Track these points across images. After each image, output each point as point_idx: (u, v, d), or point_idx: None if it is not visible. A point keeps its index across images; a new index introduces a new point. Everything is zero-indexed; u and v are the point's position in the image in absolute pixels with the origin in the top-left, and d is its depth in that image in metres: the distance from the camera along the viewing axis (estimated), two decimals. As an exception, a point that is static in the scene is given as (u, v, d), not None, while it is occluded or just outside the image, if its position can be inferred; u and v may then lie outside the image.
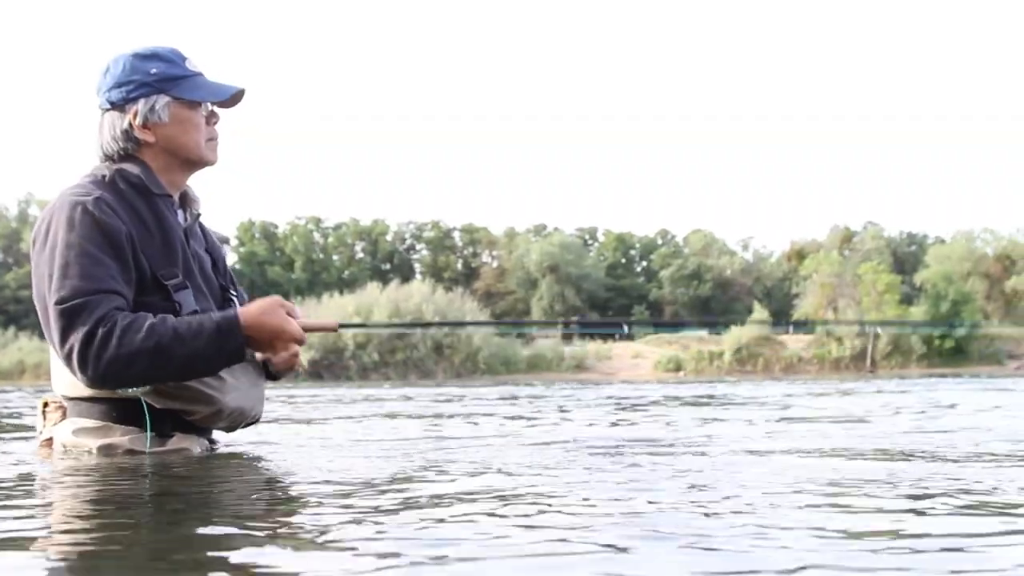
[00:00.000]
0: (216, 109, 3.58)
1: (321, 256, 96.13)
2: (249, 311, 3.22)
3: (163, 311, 3.21)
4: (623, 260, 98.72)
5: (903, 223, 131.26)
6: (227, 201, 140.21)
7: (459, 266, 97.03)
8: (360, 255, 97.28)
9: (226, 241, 3.92)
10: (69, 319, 3.07)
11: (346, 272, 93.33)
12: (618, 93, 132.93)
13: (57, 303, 3.08)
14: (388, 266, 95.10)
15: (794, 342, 67.26)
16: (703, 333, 73.04)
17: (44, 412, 3.48)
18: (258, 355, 3.49)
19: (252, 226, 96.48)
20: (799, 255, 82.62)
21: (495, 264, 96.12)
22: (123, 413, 3.32)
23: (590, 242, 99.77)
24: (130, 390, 3.22)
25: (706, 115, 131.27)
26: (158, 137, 3.44)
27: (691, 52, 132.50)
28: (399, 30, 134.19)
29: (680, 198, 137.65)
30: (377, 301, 60.94)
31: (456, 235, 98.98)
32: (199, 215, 3.66)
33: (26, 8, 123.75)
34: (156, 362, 3.06)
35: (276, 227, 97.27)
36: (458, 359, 59.71)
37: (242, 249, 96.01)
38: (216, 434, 3.72)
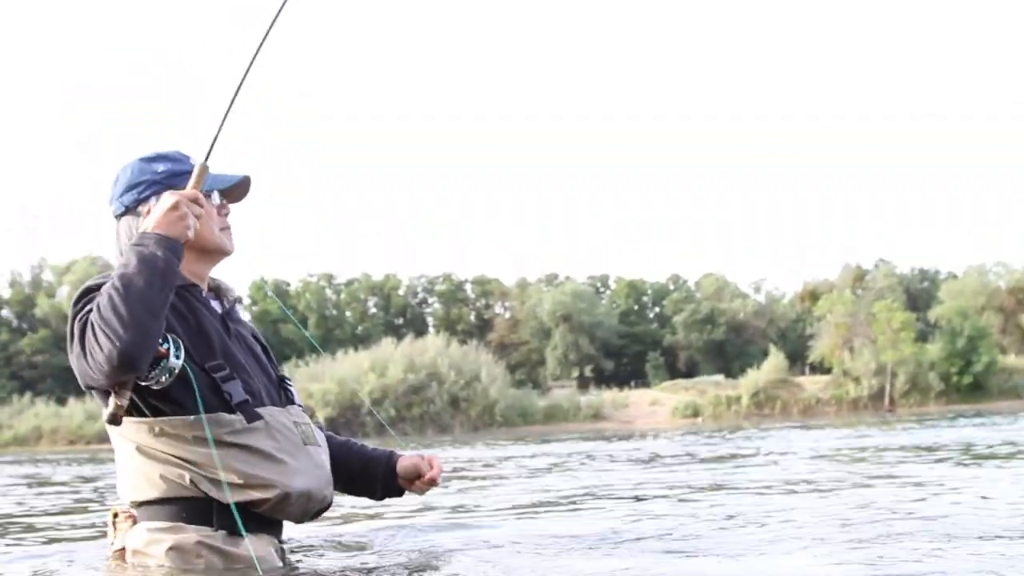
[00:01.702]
0: (225, 201, 3.63)
1: (334, 312, 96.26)
2: (150, 220, 3.20)
3: (217, 401, 3.22)
4: (636, 307, 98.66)
5: (914, 260, 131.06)
6: (238, 260, 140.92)
7: (472, 318, 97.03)
8: (373, 310, 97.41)
9: (239, 300, 3.74)
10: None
11: (359, 328, 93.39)
12: (623, 140, 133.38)
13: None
14: (401, 320, 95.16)
15: (811, 384, 67.07)
16: (719, 378, 72.92)
17: (115, 523, 3.45)
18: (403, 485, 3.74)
19: (264, 284, 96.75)
20: (812, 295, 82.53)
21: (508, 315, 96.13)
22: (192, 512, 3.26)
23: (602, 290, 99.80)
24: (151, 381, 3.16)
25: (712, 158, 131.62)
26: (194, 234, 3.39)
27: (698, 94, 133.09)
28: (402, 84, 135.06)
29: (690, 243, 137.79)
30: (392, 356, 61.04)
31: (468, 287, 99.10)
32: (237, 300, 3.65)
33: (28, 65, 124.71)
34: (117, 290, 3.03)
35: (288, 285, 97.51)
36: (475, 412, 59.62)
37: (255, 308, 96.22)
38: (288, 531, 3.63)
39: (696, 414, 61.62)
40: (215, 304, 3.53)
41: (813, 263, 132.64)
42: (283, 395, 3.52)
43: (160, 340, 3.09)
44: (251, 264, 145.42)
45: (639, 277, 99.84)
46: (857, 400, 63.66)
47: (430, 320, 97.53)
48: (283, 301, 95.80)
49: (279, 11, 3.43)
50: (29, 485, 12.35)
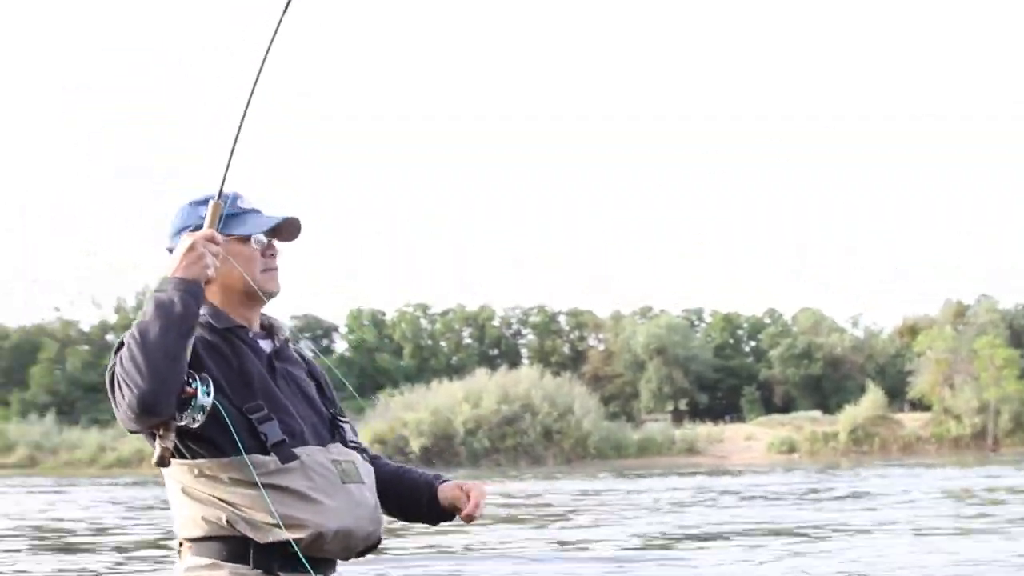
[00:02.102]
0: (275, 242, 3.65)
1: (429, 343, 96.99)
2: (170, 264, 3.29)
3: (253, 443, 3.30)
4: (731, 340, 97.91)
5: (1018, 295, 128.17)
6: (336, 290, 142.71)
7: (566, 350, 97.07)
8: (467, 341, 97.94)
9: (288, 340, 3.76)
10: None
11: (454, 358, 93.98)
12: (717, 171, 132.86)
13: None
14: (496, 351, 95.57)
15: (911, 421, 65.87)
16: (816, 414, 71.86)
17: (180, 551, 3.60)
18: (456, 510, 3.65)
19: (360, 314, 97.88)
20: (912, 331, 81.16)
21: (602, 347, 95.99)
22: (230, 551, 3.37)
23: (697, 323, 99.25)
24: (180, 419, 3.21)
25: (811, 191, 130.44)
26: (219, 273, 3.45)
27: (792, 131, 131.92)
28: (492, 119, 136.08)
29: (787, 276, 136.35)
30: (486, 387, 61.24)
31: (562, 319, 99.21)
32: (287, 339, 3.70)
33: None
34: (135, 339, 3.14)
35: (384, 314, 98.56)
36: (568, 444, 59.52)
37: (351, 337, 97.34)
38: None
39: (792, 450, 60.84)
40: (265, 344, 3.59)
41: (913, 298, 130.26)
42: (336, 433, 3.56)
43: (188, 380, 3.18)
44: (348, 294, 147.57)
45: (734, 310, 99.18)
46: (959, 439, 62.34)
47: (524, 351, 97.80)
48: (379, 330, 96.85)
49: (275, 31, 3.41)
50: (143, 508, 12.73)
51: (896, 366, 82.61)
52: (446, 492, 3.65)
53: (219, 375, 3.33)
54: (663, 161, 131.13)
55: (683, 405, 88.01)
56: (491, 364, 75.65)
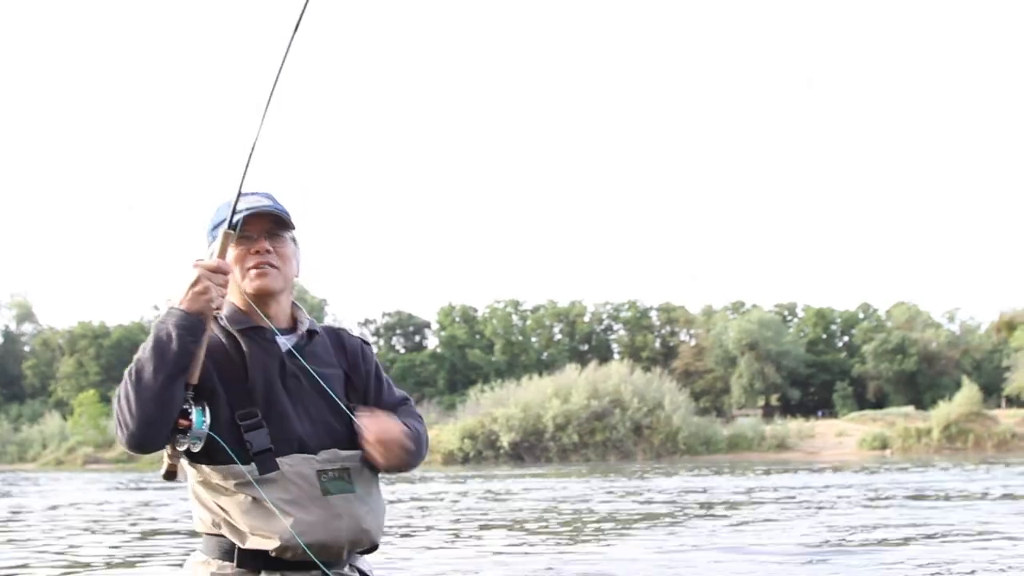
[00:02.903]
0: (256, 237, 3.66)
1: (520, 338, 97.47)
2: (178, 293, 3.43)
3: (235, 451, 3.44)
4: (824, 335, 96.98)
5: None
6: (428, 286, 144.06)
7: (657, 345, 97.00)
8: (558, 336, 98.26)
9: (366, 343, 3.87)
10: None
11: (545, 354, 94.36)
12: (810, 167, 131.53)
13: None
14: (586, 347, 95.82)
15: (1007, 417, 64.76)
16: (910, 410, 70.91)
17: None
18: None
19: (452, 310, 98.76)
20: (1009, 326, 79.60)
21: (693, 343, 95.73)
22: (220, 549, 3.59)
23: (789, 318, 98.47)
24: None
25: (903, 182, 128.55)
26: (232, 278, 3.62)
27: (891, 118, 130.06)
28: (588, 113, 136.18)
29: (881, 270, 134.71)
30: (576, 382, 61.45)
31: (653, 314, 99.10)
32: (309, 333, 3.73)
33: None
34: (131, 376, 3.35)
35: (475, 310, 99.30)
36: (657, 440, 59.57)
37: (443, 333, 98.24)
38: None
39: (884, 446, 60.18)
40: (283, 340, 3.66)
41: (1011, 292, 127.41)
42: (351, 430, 3.61)
43: (187, 409, 3.36)
44: (440, 291, 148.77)
45: (827, 305, 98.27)
46: (1055, 435, 61.21)
47: (615, 347, 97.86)
48: (470, 326, 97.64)
49: (287, 49, 3.46)
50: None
51: (993, 362, 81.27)
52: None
53: (221, 381, 3.51)
54: (756, 154, 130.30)
55: (774, 401, 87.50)
56: (581, 359, 75.79)
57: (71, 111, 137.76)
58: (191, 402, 3.38)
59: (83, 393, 78.17)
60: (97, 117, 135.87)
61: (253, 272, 3.59)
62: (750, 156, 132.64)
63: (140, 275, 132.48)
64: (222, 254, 3.43)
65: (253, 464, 3.44)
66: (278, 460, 3.46)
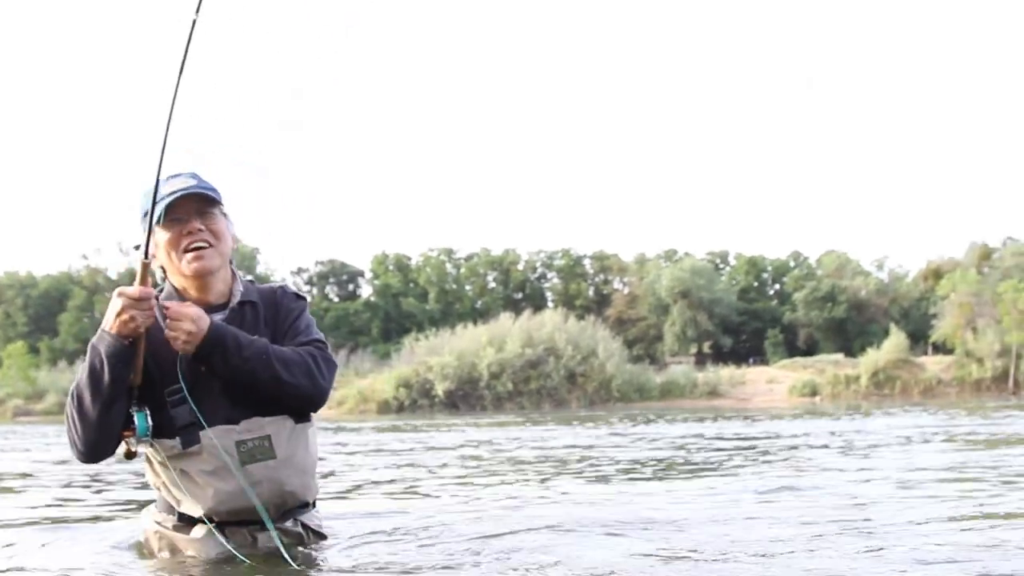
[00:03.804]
0: (185, 220, 3.83)
1: (454, 287, 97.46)
2: (105, 319, 3.68)
3: (163, 424, 3.78)
4: (755, 283, 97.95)
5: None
6: (361, 235, 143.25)
7: (590, 293, 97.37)
8: (492, 285, 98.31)
9: (302, 298, 4.08)
10: None
11: (479, 302, 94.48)
12: (743, 115, 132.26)
13: None
14: (520, 295, 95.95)
15: (933, 364, 66.01)
16: (839, 357, 72.01)
17: None
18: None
19: (386, 259, 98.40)
20: (936, 274, 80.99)
21: (626, 291, 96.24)
22: (166, 504, 3.99)
23: (721, 266, 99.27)
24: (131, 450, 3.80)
25: (834, 132, 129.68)
26: (162, 259, 3.89)
27: (822, 66, 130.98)
28: (521, 61, 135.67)
29: (812, 219, 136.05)
30: (510, 331, 61.63)
31: (587, 263, 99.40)
32: (241, 305, 3.95)
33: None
34: (73, 401, 3.68)
35: (409, 259, 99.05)
36: (591, 387, 60.01)
37: (376, 282, 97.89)
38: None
39: (814, 393, 61.19)
40: (215, 317, 3.85)
41: (938, 241, 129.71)
42: None
43: (131, 417, 3.69)
44: (374, 238, 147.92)
45: (759, 253, 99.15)
46: (980, 382, 62.47)
47: (548, 295, 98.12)
48: (404, 275, 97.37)
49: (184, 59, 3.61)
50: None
51: (920, 309, 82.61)
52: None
53: (154, 361, 3.76)
54: (687, 103, 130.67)
55: (707, 348, 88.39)
56: (516, 308, 75.97)
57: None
58: (135, 405, 3.70)
59: (11, 345, 76.92)
60: (23, 62, 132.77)
61: (189, 256, 3.80)
62: (682, 104, 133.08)
63: (67, 224, 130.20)
64: (143, 282, 3.60)
65: (178, 438, 3.76)
66: (201, 434, 3.74)
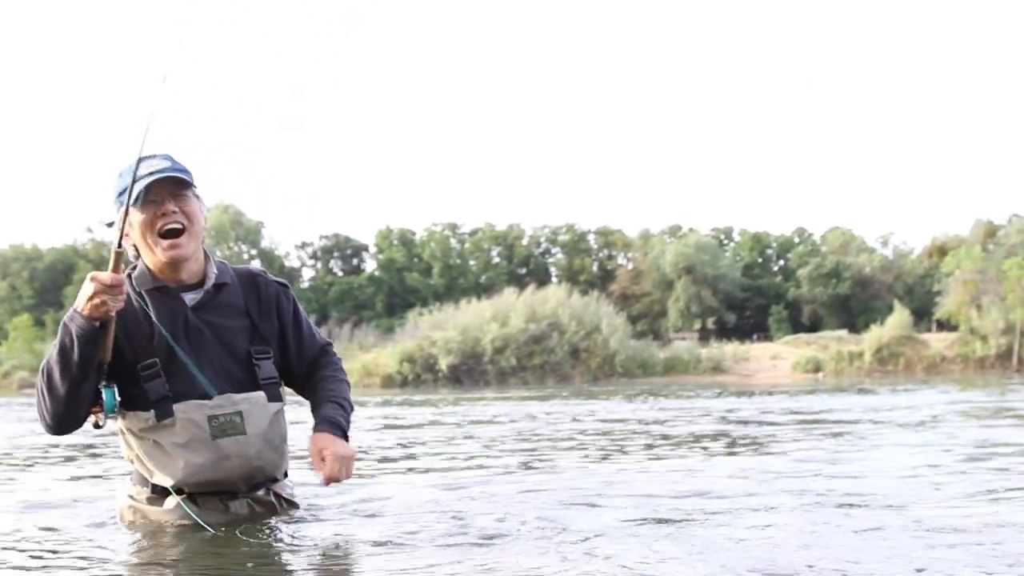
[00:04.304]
0: (160, 202, 3.92)
1: (458, 262, 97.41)
2: (78, 300, 3.76)
3: (137, 397, 3.91)
4: (759, 260, 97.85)
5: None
6: (366, 209, 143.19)
7: (595, 269, 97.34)
8: (496, 260, 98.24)
9: (284, 286, 4.22)
10: None
11: (483, 277, 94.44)
12: (748, 91, 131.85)
13: None
14: (524, 270, 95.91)
15: (937, 341, 65.97)
16: (843, 333, 71.99)
17: None
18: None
19: (390, 233, 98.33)
20: (940, 251, 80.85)
21: (630, 266, 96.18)
22: (140, 477, 4.11)
23: (726, 242, 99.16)
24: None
25: (839, 109, 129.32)
26: (135, 240, 3.98)
27: (825, 47, 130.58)
28: (527, 37, 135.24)
29: (817, 195, 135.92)
30: (514, 306, 61.59)
31: (591, 238, 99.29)
32: (216, 287, 4.06)
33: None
34: (43, 377, 3.78)
35: (414, 234, 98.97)
36: (595, 363, 60.03)
37: (380, 256, 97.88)
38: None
39: (817, 369, 61.19)
40: (189, 296, 4.02)
41: (943, 218, 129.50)
42: (251, 374, 4.05)
43: (99, 392, 3.82)
44: (378, 214, 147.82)
45: (763, 229, 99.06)
46: (984, 359, 62.41)
47: (552, 270, 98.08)
48: (408, 249, 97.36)
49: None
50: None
51: (924, 286, 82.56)
52: (312, 443, 4.02)
53: (127, 337, 3.89)
54: (693, 80, 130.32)
55: (711, 324, 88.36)
56: (520, 283, 75.90)
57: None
58: (103, 381, 3.84)
59: (17, 317, 77.09)
60: (28, 35, 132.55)
61: (165, 243, 3.91)
62: (688, 79, 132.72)
63: (71, 197, 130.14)
64: (115, 269, 3.68)
65: (152, 411, 3.88)
66: (175, 407, 3.87)
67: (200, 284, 4.04)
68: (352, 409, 4.18)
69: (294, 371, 4.22)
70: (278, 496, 4.20)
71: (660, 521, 4.08)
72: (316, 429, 4.04)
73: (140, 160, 3.80)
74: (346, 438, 4.04)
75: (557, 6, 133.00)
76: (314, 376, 4.24)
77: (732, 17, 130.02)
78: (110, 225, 3.88)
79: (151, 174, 3.86)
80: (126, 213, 3.78)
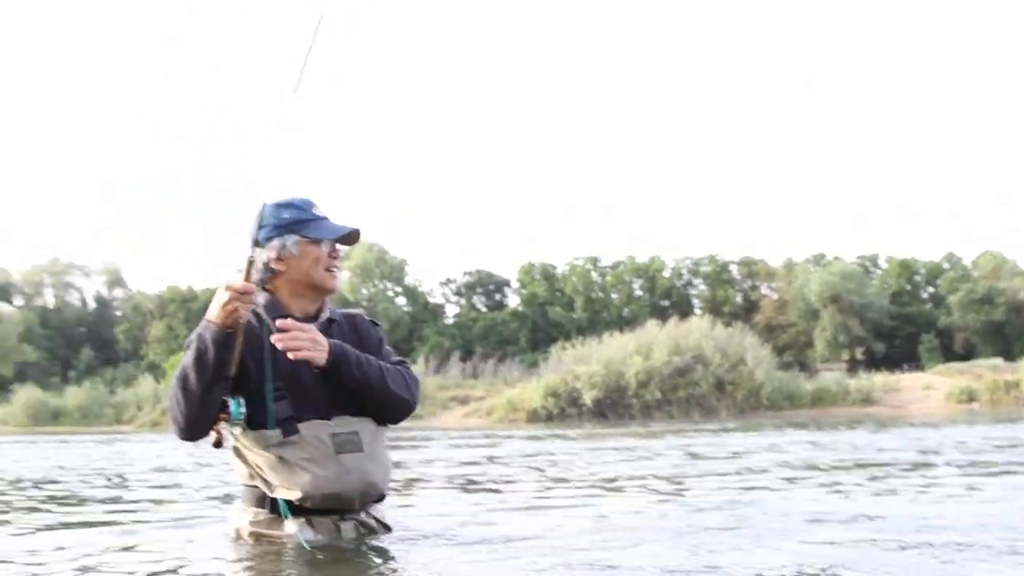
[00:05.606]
0: (338, 246, 4.53)
1: (600, 295, 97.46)
2: (210, 310, 4.18)
3: (259, 417, 4.27)
4: (908, 287, 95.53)
5: None
6: (508, 244, 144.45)
7: (738, 300, 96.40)
8: (638, 292, 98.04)
9: (375, 324, 4.70)
10: None
11: (625, 310, 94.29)
12: (890, 118, 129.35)
13: None
14: (667, 302, 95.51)
15: (1100, 368, 63.60)
16: (998, 361, 69.87)
17: None
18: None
19: (532, 268, 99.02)
20: (1100, 274, 78.11)
21: (775, 296, 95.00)
22: (255, 498, 4.43)
23: (872, 269, 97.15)
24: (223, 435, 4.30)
25: (984, 134, 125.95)
26: (288, 267, 4.44)
27: (973, 69, 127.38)
28: (675, 70, 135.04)
29: (966, 220, 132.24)
30: (657, 339, 61.29)
31: (733, 268, 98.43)
32: (328, 321, 4.53)
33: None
34: (179, 382, 4.16)
35: (555, 268, 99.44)
36: (740, 395, 59.31)
37: (523, 291, 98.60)
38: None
39: (972, 399, 59.50)
40: (310, 325, 4.41)
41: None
42: (355, 400, 4.40)
43: (226, 401, 4.19)
44: (520, 249, 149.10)
45: (911, 256, 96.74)
46: None
47: (695, 302, 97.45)
48: (550, 284, 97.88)
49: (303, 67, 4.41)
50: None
51: (1084, 311, 79.82)
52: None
53: (254, 360, 4.29)
54: (832, 107, 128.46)
55: (859, 354, 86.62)
56: (662, 315, 75.53)
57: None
58: (230, 392, 4.20)
59: (174, 356, 79.81)
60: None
61: (330, 274, 4.48)
62: (830, 107, 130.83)
63: (225, 240, 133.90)
64: (247, 278, 4.18)
65: (278, 429, 4.23)
66: (299, 426, 4.24)
67: (315, 318, 4.50)
68: (378, 370, 4.42)
69: None
70: (378, 520, 4.56)
71: None
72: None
73: (302, 201, 4.54)
74: (340, 357, 4.31)
75: (686, 39, 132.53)
76: None
77: (880, 40, 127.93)
78: (256, 243, 4.40)
79: (340, 229, 4.53)
80: (250, 261, 4.25)
